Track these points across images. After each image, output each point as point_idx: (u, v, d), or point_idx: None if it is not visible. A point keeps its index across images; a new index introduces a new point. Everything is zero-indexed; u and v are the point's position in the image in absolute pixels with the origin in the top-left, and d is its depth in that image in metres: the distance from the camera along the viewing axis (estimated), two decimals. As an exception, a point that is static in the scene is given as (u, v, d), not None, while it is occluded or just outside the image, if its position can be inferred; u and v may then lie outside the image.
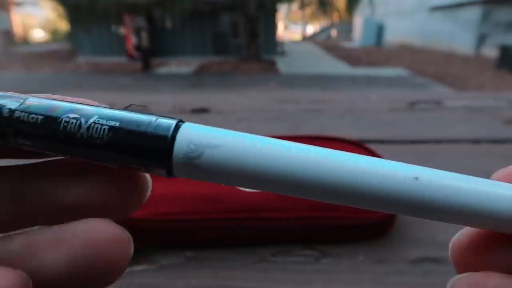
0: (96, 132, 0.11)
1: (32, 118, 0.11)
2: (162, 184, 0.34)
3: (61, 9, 9.34)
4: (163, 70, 7.81)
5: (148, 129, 0.11)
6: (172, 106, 0.71)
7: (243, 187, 0.11)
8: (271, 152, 0.11)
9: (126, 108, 0.11)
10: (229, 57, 9.28)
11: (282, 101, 0.75)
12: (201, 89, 5.58)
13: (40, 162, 0.12)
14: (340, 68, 7.56)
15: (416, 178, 0.10)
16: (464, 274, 0.11)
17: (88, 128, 0.11)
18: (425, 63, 7.78)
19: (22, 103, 0.11)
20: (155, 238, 0.31)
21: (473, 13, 8.55)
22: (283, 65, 7.95)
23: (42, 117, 0.11)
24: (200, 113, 0.67)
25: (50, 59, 9.50)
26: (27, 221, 0.11)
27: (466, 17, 8.85)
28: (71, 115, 0.11)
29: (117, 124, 0.11)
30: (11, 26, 17.77)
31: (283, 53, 10.28)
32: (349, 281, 0.28)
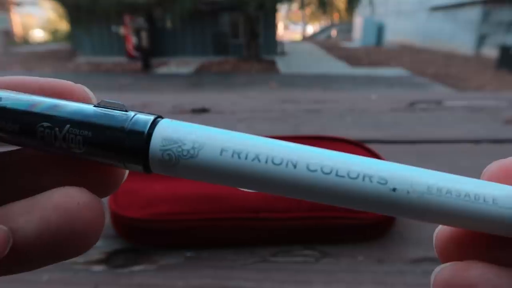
0: (72, 142, 0.11)
1: (9, 127, 0.11)
2: (162, 184, 0.34)
3: (61, 9, 9.34)
4: (163, 70, 7.81)
5: (124, 127, 0.11)
6: (172, 106, 0.71)
7: (221, 184, 0.11)
8: (250, 136, 0.11)
9: (99, 105, 0.11)
10: (229, 57, 9.28)
11: (282, 101, 0.75)
12: (201, 89, 5.58)
13: (15, 150, 0.12)
14: (340, 68, 7.56)
15: (394, 189, 0.10)
16: (447, 264, 0.11)
17: (64, 139, 0.11)
18: (425, 63, 7.78)
19: None
20: (155, 238, 0.31)
21: (473, 13, 8.55)
22: (283, 65, 7.95)
23: (18, 126, 0.11)
24: (200, 113, 0.67)
25: (50, 59, 9.50)
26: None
27: (466, 17, 8.85)
28: (45, 124, 0.11)
29: (90, 133, 0.11)
30: (11, 26, 17.78)
31: (283, 53, 10.29)
32: (349, 281, 0.28)
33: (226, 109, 0.69)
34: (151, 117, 0.11)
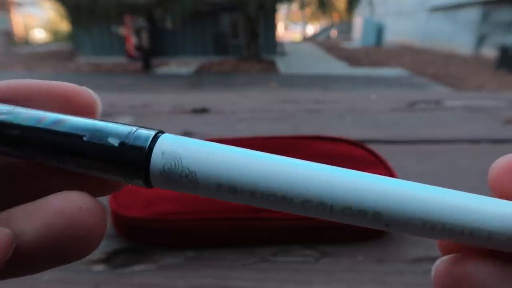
0: (78, 168, 0.11)
1: (16, 153, 0.11)
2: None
3: (62, 10, 9.34)
4: (164, 70, 7.81)
5: (126, 142, 0.11)
6: (172, 106, 0.71)
7: (223, 199, 0.11)
8: (247, 168, 0.11)
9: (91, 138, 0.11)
10: (229, 57, 9.28)
11: (282, 101, 0.75)
12: (201, 89, 5.58)
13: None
14: (340, 68, 7.56)
15: (387, 225, 0.10)
16: (446, 256, 0.11)
17: (72, 166, 0.11)
18: (425, 63, 7.78)
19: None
20: (155, 238, 0.32)
21: (473, 14, 8.55)
22: (283, 65, 7.95)
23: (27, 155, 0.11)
24: (200, 113, 0.67)
25: (51, 60, 9.50)
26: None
27: (466, 18, 8.85)
28: (50, 156, 0.11)
29: (92, 159, 0.11)
30: (12, 27, 17.77)
31: (283, 53, 10.29)
32: (349, 281, 0.28)
33: (226, 109, 0.69)
34: (152, 133, 0.11)
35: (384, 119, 0.62)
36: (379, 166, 0.37)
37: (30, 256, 0.10)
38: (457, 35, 9.37)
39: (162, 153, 0.11)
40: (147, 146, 0.11)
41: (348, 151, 0.40)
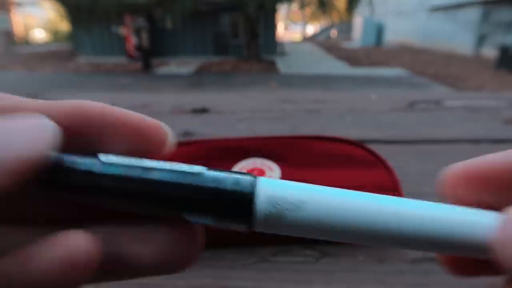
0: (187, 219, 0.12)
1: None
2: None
3: (62, 10, 9.34)
4: (164, 70, 7.81)
5: (227, 187, 0.11)
6: (172, 106, 0.71)
7: (325, 239, 0.11)
8: (350, 208, 0.11)
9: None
10: (229, 57, 9.29)
11: (282, 101, 0.75)
12: (201, 89, 5.58)
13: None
14: (340, 68, 7.57)
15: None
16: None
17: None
18: (425, 63, 7.78)
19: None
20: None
21: (473, 14, 8.56)
22: (283, 65, 7.95)
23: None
24: (200, 113, 0.67)
25: (51, 59, 9.51)
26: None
27: (466, 17, 8.86)
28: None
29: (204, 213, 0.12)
30: (12, 27, 17.77)
31: (283, 53, 10.29)
32: (349, 281, 0.28)
33: (226, 109, 0.69)
34: (251, 178, 0.11)
35: (384, 119, 0.62)
36: (379, 166, 0.37)
37: (137, 272, 0.11)
38: (457, 35, 9.37)
39: (265, 197, 0.11)
40: (249, 192, 0.11)
41: (348, 151, 0.40)
